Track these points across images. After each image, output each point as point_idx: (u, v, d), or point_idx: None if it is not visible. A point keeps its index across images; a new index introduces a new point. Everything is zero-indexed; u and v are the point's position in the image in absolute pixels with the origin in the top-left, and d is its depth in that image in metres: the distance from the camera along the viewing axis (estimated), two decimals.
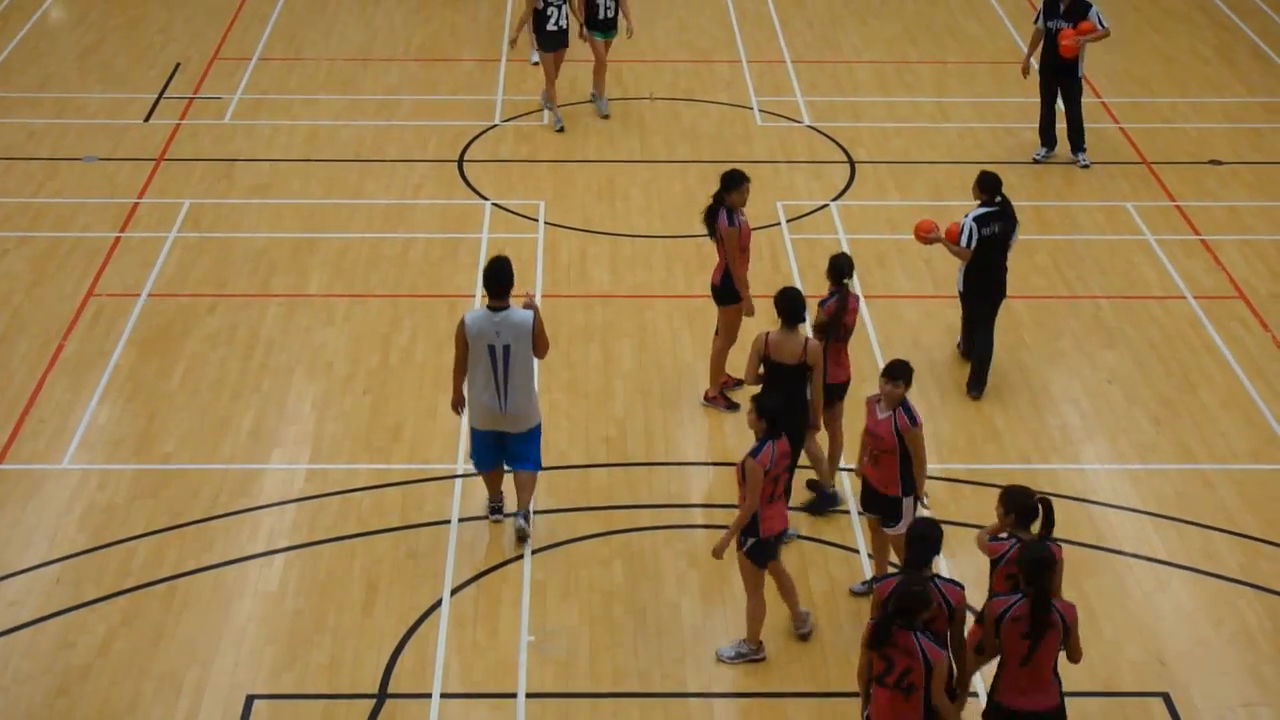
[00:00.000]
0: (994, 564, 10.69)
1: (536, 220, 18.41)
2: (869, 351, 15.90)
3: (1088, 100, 20.32)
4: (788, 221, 18.33)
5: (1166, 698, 11.81)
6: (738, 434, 14.55)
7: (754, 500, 11.50)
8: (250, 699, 11.69)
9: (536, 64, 21.32)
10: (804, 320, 13.07)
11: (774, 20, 24.28)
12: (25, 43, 23.21)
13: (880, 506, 12.18)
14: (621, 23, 20.56)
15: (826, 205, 18.85)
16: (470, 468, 14.01)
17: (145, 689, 11.75)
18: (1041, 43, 19.56)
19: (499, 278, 12.84)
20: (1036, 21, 19.59)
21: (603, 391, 15.35)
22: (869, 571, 12.80)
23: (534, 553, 13.15)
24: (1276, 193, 19.37)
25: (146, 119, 20.82)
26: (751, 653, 12.04)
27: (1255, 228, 18.52)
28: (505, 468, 13.26)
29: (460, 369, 12.98)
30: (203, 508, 13.66)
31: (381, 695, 11.74)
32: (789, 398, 12.78)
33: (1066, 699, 10.74)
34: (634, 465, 14.28)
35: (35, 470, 14.13)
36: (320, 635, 12.30)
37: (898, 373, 11.93)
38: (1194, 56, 23.27)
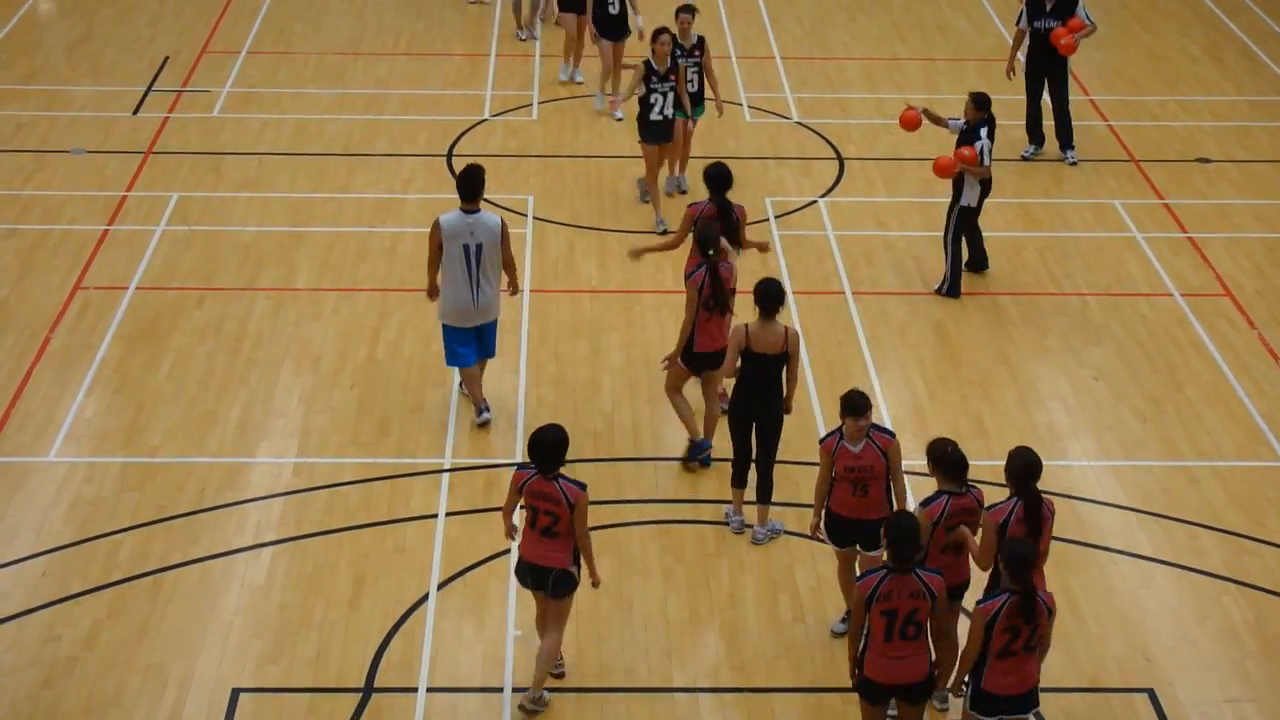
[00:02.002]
0: (934, 525, 10.90)
1: (525, 215, 18.41)
2: (856, 348, 15.93)
3: (1076, 98, 20.34)
4: (776, 218, 18.33)
5: (1151, 693, 11.83)
6: (722, 430, 14.56)
7: (504, 512, 11.54)
8: (236, 692, 11.68)
9: (601, 112, 20.53)
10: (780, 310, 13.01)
11: (763, 16, 24.29)
12: (14, 34, 23.17)
13: (866, 533, 11.78)
14: (710, 104, 18.61)
15: (815, 201, 18.87)
16: (459, 462, 14.08)
17: (131, 682, 11.74)
18: (1026, 43, 19.59)
19: (472, 183, 14.02)
20: (1019, 22, 19.61)
21: (590, 386, 15.35)
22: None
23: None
24: (1263, 191, 19.42)
25: (135, 112, 20.80)
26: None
27: (1242, 226, 18.56)
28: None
29: (433, 265, 14.21)
30: (189, 501, 13.65)
31: (368, 689, 11.74)
32: (769, 387, 12.90)
33: (1051, 693, 10.92)
34: (621, 460, 14.29)
35: (21, 463, 14.11)
36: (306, 629, 12.30)
37: (863, 405, 11.52)
38: (1183, 55, 23.30)
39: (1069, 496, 13.89)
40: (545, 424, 11.38)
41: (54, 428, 14.56)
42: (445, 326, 14.36)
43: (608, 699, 11.73)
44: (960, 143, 16.48)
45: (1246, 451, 14.64)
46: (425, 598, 12.61)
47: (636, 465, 14.21)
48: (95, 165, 19.39)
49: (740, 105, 21.29)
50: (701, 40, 18.17)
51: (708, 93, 18.48)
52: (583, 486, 11.25)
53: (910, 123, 16.98)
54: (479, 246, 13.99)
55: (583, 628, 12.33)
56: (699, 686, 11.85)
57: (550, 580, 11.38)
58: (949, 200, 16.76)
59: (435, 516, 13.52)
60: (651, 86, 17.66)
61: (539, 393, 15.16)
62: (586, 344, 16.01)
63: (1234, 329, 16.49)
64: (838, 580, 12.30)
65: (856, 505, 11.70)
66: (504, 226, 14.14)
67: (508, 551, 13.07)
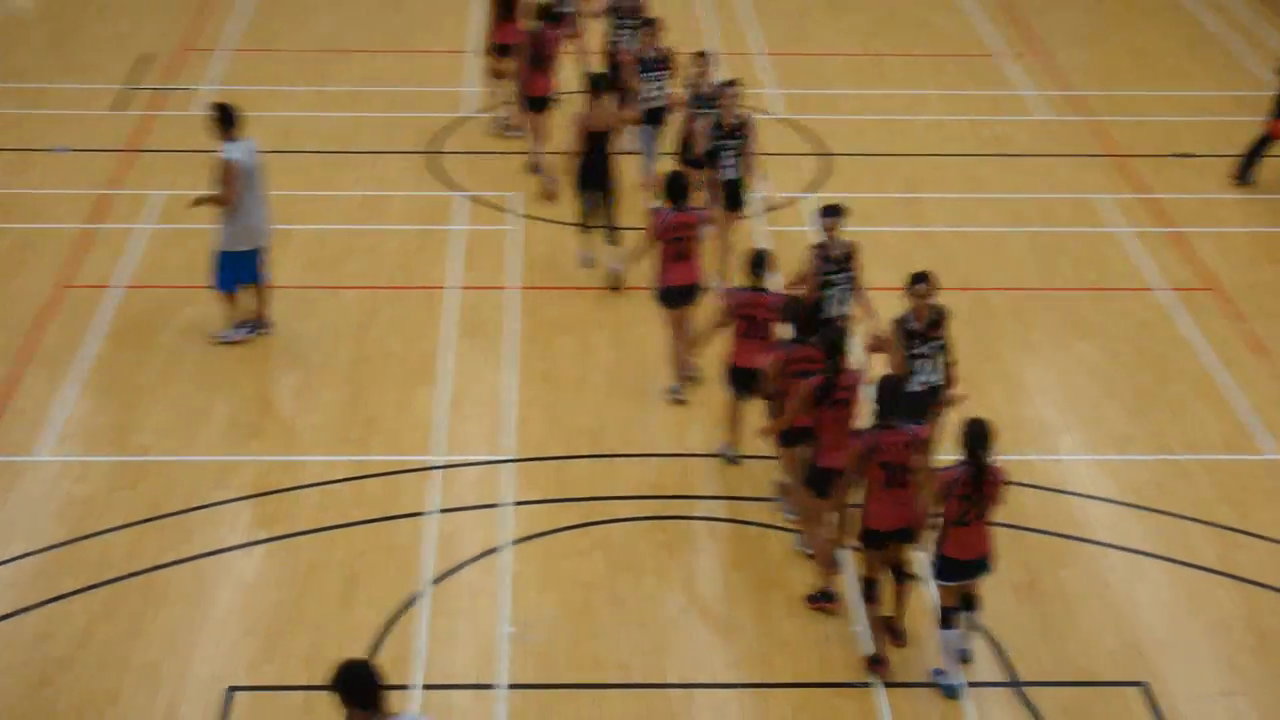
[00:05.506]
0: (778, 372, 12.68)
1: (512, 212, 18.40)
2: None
3: (1062, 94, 20.37)
4: (762, 213, 18.35)
5: (1145, 687, 11.88)
6: (717, 425, 14.59)
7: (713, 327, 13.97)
8: (231, 690, 11.66)
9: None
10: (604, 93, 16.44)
11: (748, 12, 24.31)
12: None
13: (747, 381, 13.57)
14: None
15: (802, 198, 18.88)
16: (450, 458, 14.10)
17: (126, 680, 11.71)
18: None
19: (228, 113, 15.47)
20: None
21: (580, 383, 15.35)
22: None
23: (514, 544, 13.16)
24: (1248, 185, 19.49)
25: (118, 110, 20.74)
26: None
27: (1227, 220, 18.64)
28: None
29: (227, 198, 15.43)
30: (181, 499, 13.62)
31: None
32: (606, 159, 16.44)
33: (1044, 688, 11.01)
34: (612, 457, 14.29)
35: (12, 462, 14.06)
36: (300, 626, 12.28)
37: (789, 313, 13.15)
38: (1164, 50, 23.39)
39: (1060, 491, 13.94)
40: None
41: (44, 427, 14.52)
42: (229, 254, 15.53)
43: (602, 695, 11.73)
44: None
45: (1235, 445, 14.70)
46: (419, 595, 12.61)
47: (627, 461, 14.22)
48: (79, 163, 19.33)
49: None
50: (853, 247, 14.49)
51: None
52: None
53: None
54: (261, 173, 15.68)
55: (576, 623, 12.34)
56: (694, 682, 11.87)
57: (759, 379, 13.28)
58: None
59: (428, 514, 13.51)
60: (914, 352, 12.99)
61: (529, 389, 15.16)
62: (575, 341, 16.01)
63: (1221, 322, 16.56)
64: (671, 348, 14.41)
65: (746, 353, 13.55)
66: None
67: (499, 548, 13.09)
